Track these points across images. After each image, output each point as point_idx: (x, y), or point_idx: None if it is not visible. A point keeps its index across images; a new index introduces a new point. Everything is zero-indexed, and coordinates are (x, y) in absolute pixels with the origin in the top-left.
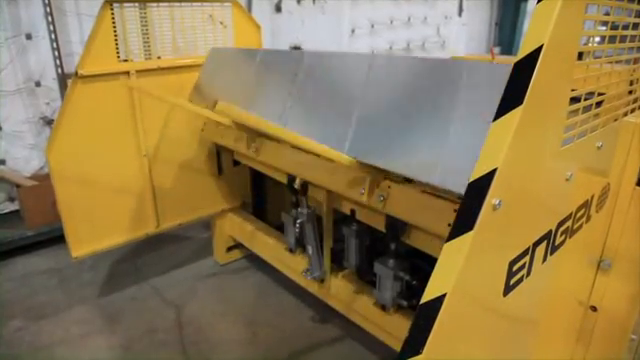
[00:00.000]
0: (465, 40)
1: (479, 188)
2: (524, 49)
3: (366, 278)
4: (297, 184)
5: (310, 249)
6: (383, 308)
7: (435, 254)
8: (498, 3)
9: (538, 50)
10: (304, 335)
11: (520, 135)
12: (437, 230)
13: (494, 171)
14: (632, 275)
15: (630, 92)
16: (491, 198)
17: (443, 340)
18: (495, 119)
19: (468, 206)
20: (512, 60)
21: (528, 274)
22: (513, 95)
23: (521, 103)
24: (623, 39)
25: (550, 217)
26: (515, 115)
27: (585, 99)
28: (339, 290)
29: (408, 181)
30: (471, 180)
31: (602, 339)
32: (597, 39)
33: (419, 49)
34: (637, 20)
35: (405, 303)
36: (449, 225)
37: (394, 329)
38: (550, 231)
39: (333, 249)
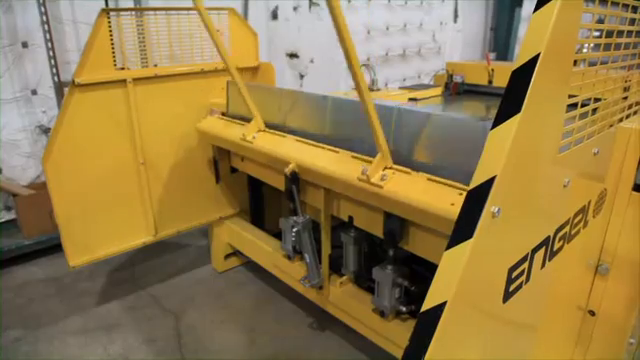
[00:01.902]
0: (461, 46)
1: (478, 196)
2: (521, 57)
3: (365, 284)
4: (289, 170)
5: (307, 257)
6: (382, 314)
7: (432, 259)
8: (493, 9)
9: (535, 58)
10: (303, 342)
11: (519, 143)
12: (439, 210)
13: (493, 179)
14: (630, 279)
15: (624, 98)
16: (490, 206)
17: (444, 348)
18: (493, 127)
19: (467, 214)
20: (508, 65)
21: (527, 280)
22: (511, 103)
23: (519, 111)
24: (617, 46)
25: (548, 223)
26: (513, 123)
27: (582, 106)
28: (338, 297)
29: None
30: (470, 188)
31: (600, 343)
32: (591, 46)
33: (415, 55)
34: (630, 28)
35: (404, 309)
36: (452, 204)
37: (393, 335)
38: (548, 237)
39: (331, 256)
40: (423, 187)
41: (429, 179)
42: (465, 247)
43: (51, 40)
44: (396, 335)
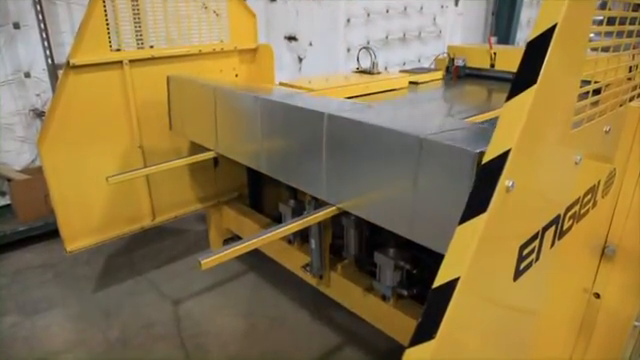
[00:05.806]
0: (461, 30)
1: (493, 169)
2: (537, 28)
3: (366, 268)
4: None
5: (313, 243)
6: (383, 298)
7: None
8: None
9: (552, 29)
10: (303, 327)
11: (534, 115)
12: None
13: (508, 152)
14: (636, 261)
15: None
16: (505, 179)
17: (455, 324)
18: (508, 99)
19: (481, 188)
20: (511, 49)
21: (537, 259)
22: (527, 74)
23: (535, 82)
24: (633, 21)
25: (559, 201)
26: (529, 95)
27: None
28: (338, 281)
29: None
30: (485, 161)
31: (605, 326)
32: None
33: (415, 39)
34: None
35: (405, 293)
36: None
37: (394, 319)
38: (559, 215)
39: (332, 242)
40: None
41: None
42: (479, 222)
43: (44, 21)
44: (398, 319)
